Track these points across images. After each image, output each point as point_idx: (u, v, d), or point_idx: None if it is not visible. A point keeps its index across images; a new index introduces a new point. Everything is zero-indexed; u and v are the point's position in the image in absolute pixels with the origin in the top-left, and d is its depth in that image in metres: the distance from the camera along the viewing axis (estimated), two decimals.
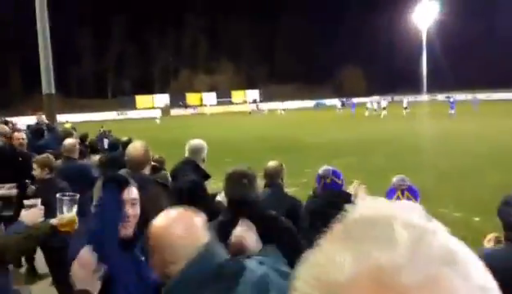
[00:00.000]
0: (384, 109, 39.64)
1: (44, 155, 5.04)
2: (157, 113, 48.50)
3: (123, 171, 3.83)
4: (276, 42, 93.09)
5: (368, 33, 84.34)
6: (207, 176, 4.55)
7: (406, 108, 40.46)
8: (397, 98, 72.76)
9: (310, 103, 60.67)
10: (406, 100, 43.77)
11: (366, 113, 38.76)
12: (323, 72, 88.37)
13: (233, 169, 2.77)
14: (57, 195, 2.71)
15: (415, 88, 68.20)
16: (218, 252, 1.51)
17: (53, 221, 2.70)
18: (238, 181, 2.71)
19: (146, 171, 3.74)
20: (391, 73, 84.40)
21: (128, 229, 2.17)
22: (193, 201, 4.40)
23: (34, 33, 12.65)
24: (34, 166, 4.81)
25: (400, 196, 3.43)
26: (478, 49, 75.28)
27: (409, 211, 0.48)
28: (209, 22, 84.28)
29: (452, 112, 33.64)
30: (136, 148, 3.70)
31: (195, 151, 4.63)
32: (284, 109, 52.67)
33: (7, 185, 3.19)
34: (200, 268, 1.43)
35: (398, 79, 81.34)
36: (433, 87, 65.15)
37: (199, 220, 1.57)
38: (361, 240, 0.44)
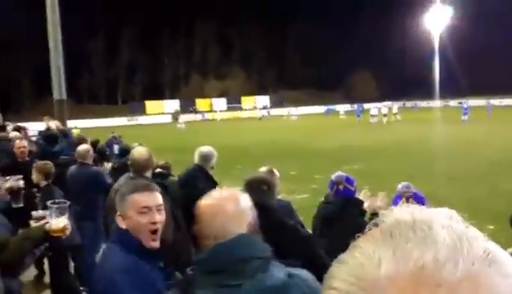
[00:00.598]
0: (385, 115, 39.28)
1: (43, 162, 5.06)
2: (181, 120, 48.84)
3: (125, 176, 3.86)
4: (287, 47, 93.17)
5: (380, 38, 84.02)
6: (215, 184, 4.54)
7: (395, 114, 40.51)
8: (409, 104, 72.41)
9: (320, 108, 60.34)
10: (396, 105, 43.66)
11: (371, 120, 38.52)
12: (334, 77, 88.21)
13: (253, 175, 2.79)
14: (48, 203, 2.82)
15: (427, 94, 67.69)
16: (256, 243, 1.51)
17: (46, 226, 2.73)
18: (258, 187, 2.70)
19: (148, 174, 3.80)
20: (403, 78, 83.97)
21: (156, 240, 2.07)
22: None
23: (46, 39, 12.75)
24: (33, 171, 4.84)
25: (405, 203, 3.38)
26: (492, 54, 74.68)
27: (446, 216, 0.48)
28: (220, 28, 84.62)
29: (465, 118, 33.33)
30: (140, 152, 3.76)
31: (205, 158, 4.66)
32: (296, 115, 52.31)
33: (14, 177, 3.21)
34: (231, 251, 1.44)
35: (410, 85, 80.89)
36: (446, 93, 64.62)
37: (247, 202, 1.62)
38: (400, 240, 0.44)
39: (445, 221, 0.46)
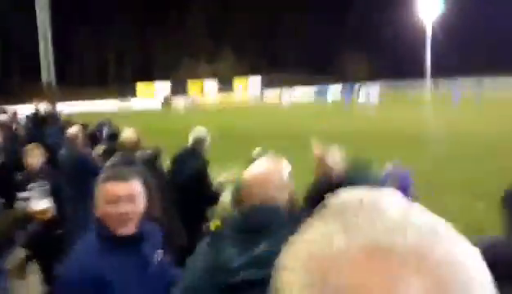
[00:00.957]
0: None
1: (33, 144, 5.03)
2: (180, 103, 47.86)
3: (111, 159, 3.89)
4: (279, 29, 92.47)
5: (372, 18, 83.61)
6: (206, 164, 4.72)
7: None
8: (401, 83, 72.34)
9: (312, 89, 60.04)
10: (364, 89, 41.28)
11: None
12: (326, 59, 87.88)
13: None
14: (28, 185, 2.95)
15: (419, 74, 67.80)
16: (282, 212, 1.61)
17: (27, 208, 2.73)
18: None
19: (137, 156, 3.84)
20: (395, 59, 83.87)
21: (127, 227, 2.07)
22: (196, 188, 4.46)
23: (35, 21, 12.55)
24: (27, 155, 4.80)
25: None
26: (483, 33, 74.78)
27: (392, 195, 0.49)
28: (212, 11, 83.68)
29: (455, 100, 33.50)
30: (127, 135, 3.82)
31: (198, 140, 4.79)
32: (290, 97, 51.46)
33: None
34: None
35: (402, 65, 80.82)
36: (438, 73, 64.70)
37: (288, 171, 1.73)
38: (350, 216, 0.45)
39: (392, 199, 0.47)
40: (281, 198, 1.60)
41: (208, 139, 4.85)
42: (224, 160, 12.32)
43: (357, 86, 43.70)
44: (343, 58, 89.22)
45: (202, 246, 1.70)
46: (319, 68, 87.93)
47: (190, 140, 4.77)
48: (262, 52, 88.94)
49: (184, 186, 4.19)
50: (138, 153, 3.88)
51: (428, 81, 56.91)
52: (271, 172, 1.68)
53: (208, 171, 4.70)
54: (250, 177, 1.71)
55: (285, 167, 1.74)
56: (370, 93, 38.70)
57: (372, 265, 0.40)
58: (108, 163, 3.92)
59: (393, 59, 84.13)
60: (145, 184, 3.50)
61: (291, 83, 75.28)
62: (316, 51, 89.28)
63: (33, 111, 10.29)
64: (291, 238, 0.47)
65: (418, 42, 69.59)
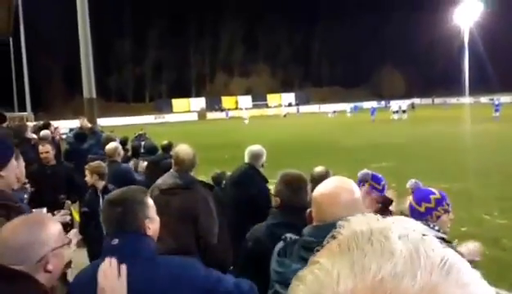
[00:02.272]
0: (404, 112, 40.02)
1: (96, 163, 5.13)
2: (245, 114, 49.44)
3: (168, 174, 3.87)
4: (313, 44, 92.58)
5: (408, 35, 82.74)
6: (266, 181, 4.66)
7: (396, 112, 40.20)
8: (438, 100, 70.98)
9: (347, 106, 59.54)
10: (397, 104, 43.32)
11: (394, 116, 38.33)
12: (360, 74, 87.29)
13: (288, 173, 2.81)
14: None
15: (456, 90, 66.27)
16: None
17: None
18: (298, 187, 2.72)
19: (192, 173, 3.77)
20: (431, 75, 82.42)
21: None
22: (257, 209, 4.42)
23: (76, 38, 13.00)
24: (87, 172, 4.95)
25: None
26: None
27: (403, 225, 0.48)
28: (246, 25, 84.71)
29: (497, 114, 32.50)
30: (185, 151, 3.75)
31: (256, 157, 4.72)
32: (334, 112, 51.27)
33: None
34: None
35: (439, 81, 79.31)
36: (476, 90, 63.12)
37: (359, 191, 1.75)
38: (358, 253, 0.44)
39: (402, 231, 0.46)
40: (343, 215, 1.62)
41: (265, 155, 4.80)
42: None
43: (383, 102, 44.95)
44: (379, 74, 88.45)
45: (274, 253, 1.80)
46: (354, 83, 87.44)
47: (247, 157, 4.72)
48: (297, 68, 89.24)
49: (242, 207, 4.17)
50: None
51: (467, 98, 55.52)
52: (340, 191, 1.69)
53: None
54: (319, 195, 1.73)
55: (355, 187, 1.75)
56: (399, 109, 40.30)
57: None
58: (166, 177, 3.79)
59: (430, 75, 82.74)
60: (199, 193, 3.60)
61: (324, 99, 75.14)
62: (350, 67, 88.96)
63: (75, 126, 10.65)
64: (299, 273, 0.47)
65: (456, 57, 68.23)
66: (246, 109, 66.89)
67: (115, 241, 1.83)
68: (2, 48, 32.55)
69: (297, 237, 1.81)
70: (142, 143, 12.72)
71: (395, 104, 43.54)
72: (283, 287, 1.65)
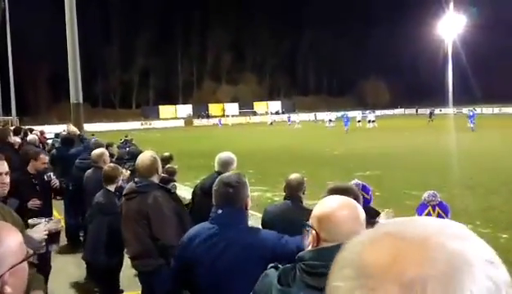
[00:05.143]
0: (373, 122, 41.76)
1: (111, 166, 5.15)
2: (270, 118, 49.56)
3: (130, 183, 4.05)
4: (299, 54, 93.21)
5: (393, 46, 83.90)
6: None
7: (372, 121, 42.00)
8: (421, 110, 71.97)
9: (332, 115, 59.93)
10: (372, 114, 45.32)
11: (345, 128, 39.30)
12: (346, 84, 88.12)
13: (338, 186, 2.76)
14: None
15: (440, 101, 67.35)
16: None
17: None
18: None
19: (154, 179, 3.88)
20: (416, 85, 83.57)
21: None
22: None
23: (63, 44, 12.99)
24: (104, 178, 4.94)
25: (431, 211, 3.37)
26: (505, 61, 74.16)
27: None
28: (233, 34, 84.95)
29: (471, 125, 33.22)
30: (144, 157, 3.89)
31: (225, 164, 4.67)
32: (324, 120, 51.59)
33: (53, 220, 3.17)
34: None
35: (423, 92, 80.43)
36: (459, 101, 64.22)
37: (361, 211, 1.70)
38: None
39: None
40: (351, 236, 1.53)
41: (235, 163, 4.73)
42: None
43: (357, 112, 46.98)
44: (364, 84, 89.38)
45: (270, 279, 1.68)
46: (339, 92, 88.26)
47: (216, 165, 4.65)
48: (283, 77, 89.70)
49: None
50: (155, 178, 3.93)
51: (450, 108, 56.45)
52: (345, 210, 1.62)
53: None
54: (323, 215, 1.63)
55: (358, 206, 1.69)
56: (369, 119, 42.64)
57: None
58: (128, 186, 4.03)
59: (414, 86, 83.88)
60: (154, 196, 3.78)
61: (310, 107, 75.64)
62: (336, 76, 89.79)
63: (62, 131, 10.66)
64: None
65: (440, 68, 69.34)
66: (232, 116, 67.07)
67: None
68: None
69: (288, 264, 1.71)
70: (127, 149, 12.73)
71: (369, 114, 45.63)
72: None
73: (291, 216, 3.64)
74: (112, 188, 4.88)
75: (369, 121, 42.87)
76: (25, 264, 1.40)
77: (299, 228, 3.41)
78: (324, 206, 1.67)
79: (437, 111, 65.41)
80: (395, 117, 67.78)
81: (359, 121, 43.03)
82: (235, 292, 2.46)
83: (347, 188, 2.68)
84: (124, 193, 3.84)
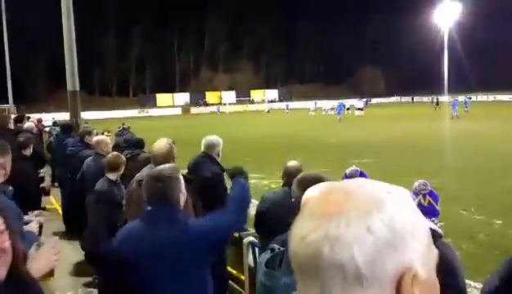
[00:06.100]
0: (362, 109, 42.74)
1: (115, 154, 5.12)
2: (267, 106, 49.70)
3: (147, 167, 3.99)
4: (296, 42, 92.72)
5: (389, 35, 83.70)
6: (223, 170, 4.68)
7: (360, 109, 42.95)
8: (417, 99, 72.01)
9: (329, 103, 59.83)
10: (361, 102, 46.50)
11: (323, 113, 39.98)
12: (342, 72, 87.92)
13: (307, 174, 2.60)
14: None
15: (436, 89, 67.43)
16: None
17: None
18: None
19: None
20: (412, 74, 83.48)
21: None
22: (215, 191, 4.58)
23: (60, 31, 12.94)
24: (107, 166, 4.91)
25: (421, 200, 3.45)
26: (501, 50, 74.24)
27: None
28: (230, 22, 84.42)
29: (455, 114, 33.63)
30: (160, 145, 3.88)
31: (211, 146, 4.87)
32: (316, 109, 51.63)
33: (36, 212, 3.00)
34: None
35: (419, 80, 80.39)
36: (455, 89, 64.26)
37: None
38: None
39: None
40: None
41: (221, 145, 4.92)
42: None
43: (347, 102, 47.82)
44: (360, 72, 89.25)
45: (260, 261, 1.67)
46: (335, 81, 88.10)
47: (203, 146, 4.88)
48: (279, 65, 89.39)
49: (200, 191, 4.28)
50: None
51: (445, 96, 56.52)
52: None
53: (225, 176, 4.76)
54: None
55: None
56: (357, 107, 43.41)
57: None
58: (145, 170, 3.94)
59: (410, 74, 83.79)
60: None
61: (307, 95, 75.56)
62: (332, 65, 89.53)
63: (59, 119, 10.73)
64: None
65: (436, 56, 69.26)
66: (230, 104, 67.02)
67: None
68: None
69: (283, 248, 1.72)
70: (124, 137, 12.77)
71: (358, 102, 46.42)
72: None
73: (290, 203, 3.69)
74: (113, 176, 4.84)
75: (357, 109, 43.29)
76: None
77: (294, 215, 3.50)
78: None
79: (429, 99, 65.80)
80: (391, 105, 67.86)
81: (348, 109, 43.31)
82: (171, 290, 2.33)
83: (318, 176, 2.48)
84: (139, 179, 3.83)
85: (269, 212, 3.78)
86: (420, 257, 0.60)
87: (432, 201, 3.46)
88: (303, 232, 0.62)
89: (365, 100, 57.10)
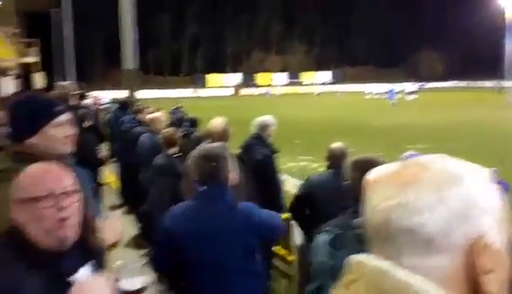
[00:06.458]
0: (414, 93, 42.30)
1: (170, 130, 5.24)
2: (318, 88, 50.24)
3: (201, 145, 4.09)
4: (350, 24, 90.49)
5: (448, 16, 79.89)
6: (275, 151, 4.73)
7: (412, 92, 42.37)
8: (478, 83, 68.72)
9: (382, 86, 58.08)
10: (413, 86, 45.50)
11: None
12: (397, 55, 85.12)
13: (362, 157, 2.46)
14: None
15: (499, 74, 63.96)
16: None
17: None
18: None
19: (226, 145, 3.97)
20: (470, 57, 79.58)
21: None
22: (265, 173, 4.62)
23: (118, 11, 13.29)
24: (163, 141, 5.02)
25: None
26: None
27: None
28: (283, 3, 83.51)
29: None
30: (216, 123, 3.96)
31: (263, 126, 4.82)
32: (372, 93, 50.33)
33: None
34: None
35: (478, 64, 76.56)
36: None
37: None
38: None
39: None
40: None
41: (274, 126, 4.87)
42: (294, 152, 12.59)
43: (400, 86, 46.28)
44: (416, 55, 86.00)
45: (322, 244, 1.66)
46: (390, 64, 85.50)
47: (255, 127, 4.82)
48: (333, 46, 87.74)
49: (251, 173, 4.29)
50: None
51: (506, 81, 53.49)
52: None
53: (276, 158, 4.76)
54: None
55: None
56: (409, 91, 42.73)
57: None
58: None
59: (469, 58, 79.96)
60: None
61: (360, 78, 73.91)
62: (387, 47, 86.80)
63: (116, 97, 11.10)
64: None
65: (498, 39, 65.53)
66: (281, 86, 66.75)
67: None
68: (46, 20, 33.38)
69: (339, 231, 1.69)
70: (179, 116, 13.07)
71: (410, 86, 45.31)
72: (335, 281, 1.56)
73: (336, 185, 3.61)
74: (171, 151, 4.98)
75: (409, 93, 42.09)
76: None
77: (344, 197, 3.45)
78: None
79: (489, 84, 62.41)
80: (449, 90, 65.16)
81: (398, 92, 40.90)
82: (225, 271, 2.36)
83: (373, 159, 2.34)
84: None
85: (313, 195, 3.76)
86: (492, 230, 0.63)
87: (502, 190, 3.31)
88: (375, 201, 0.66)
89: (419, 84, 54.90)
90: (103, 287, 1.38)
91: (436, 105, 33.41)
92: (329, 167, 3.95)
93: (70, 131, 2.01)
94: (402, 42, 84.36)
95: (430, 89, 62.47)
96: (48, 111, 1.95)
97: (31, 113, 1.93)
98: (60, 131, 1.95)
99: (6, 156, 1.90)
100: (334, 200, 3.49)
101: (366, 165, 1.87)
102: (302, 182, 4.22)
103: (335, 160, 3.89)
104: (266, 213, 2.56)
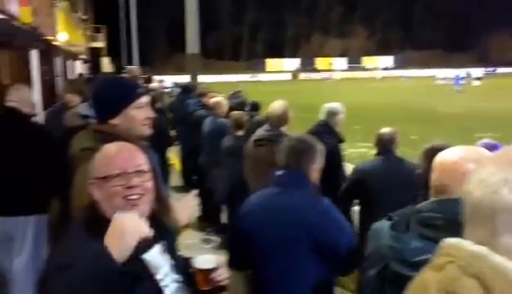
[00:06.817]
0: (479, 79, 40.73)
1: (237, 113, 5.33)
2: (380, 73, 49.39)
3: (262, 128, 4.14)
4: (415, 6, 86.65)
5: None
6: (341, 140, 4.56)
7: (477, 78, 40.90)
8: None
9: (449, 72, 55.28)
10: (479, 71, 44.67)
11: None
12: (465, 39, 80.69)
13: (436, 144, 2.42)
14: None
15: None
16: None
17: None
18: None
19: (284, 129, 3.99)
20: None
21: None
22: (331, 163, 4.52)
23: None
24: (231, 123, 5.19)
25: None
26: None
27: None
28: None
29: None
30: (276, 106, 4.00)
31: (332, 113, 4.59)
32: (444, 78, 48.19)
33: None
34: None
35: None
36: None
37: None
38: None
39: None
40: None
41: (342, 114, 4.62)
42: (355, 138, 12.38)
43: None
44: (487, 39, 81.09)
45: (384, 228, 1.61)
46: (458, 48, 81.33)
47: (322, 114, 4.57)
48: (396, 30, 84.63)
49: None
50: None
51: None
52: (465, 162, 1.44)
53: (342, 146, 4.56)
54: (442, 163, 1.52)
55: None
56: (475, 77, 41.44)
57: None
58: (260, 131, 4.08)
59: None
60: None
61: (424, 63, 70.93)
62: (455, 29, 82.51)
63: (179, 81, 11.39)
64: None
65: None
66: (341, 71, 65.54)
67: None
68: (113, 3, 34.70)
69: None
70: (239, 100, 13.19)
71: (476, 71, 44.19)
72: (399, 263, 1.48)
73: (386, 171, 3.60)
74: (239, 133, 5.07)
75: (475, 78, 40.60)
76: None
77: (394, 183, 3.33)
78: (443, 153, 1.55)
79: None
80: None
81: (462, 78, 38.23)
82: (292, 261, 2.24)
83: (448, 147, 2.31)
84: (255, 138, 4.01)
85: (363, 182, 3.66)
86: None
87: None
88: (483, 175, 0.66)
89: (490, 69, 52.05)
90: (142, 223, 1.38)
91: (506, 91, 31.51)
92: (378, 154, 3.81)
93: (149, 113, 2.07)
94: (471, 25, 79.84)
95: (501, 74, 59.01)
96: (131, 93, 2.02)
97: (115, 94, 2.01)
98: (141, 113, 2.01)
99: (88, 135, 2.01)
100: (388, 187, 3.43)
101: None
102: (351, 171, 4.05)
103: (384, 146, 3.75)
104: (340, 220, 2.35)
